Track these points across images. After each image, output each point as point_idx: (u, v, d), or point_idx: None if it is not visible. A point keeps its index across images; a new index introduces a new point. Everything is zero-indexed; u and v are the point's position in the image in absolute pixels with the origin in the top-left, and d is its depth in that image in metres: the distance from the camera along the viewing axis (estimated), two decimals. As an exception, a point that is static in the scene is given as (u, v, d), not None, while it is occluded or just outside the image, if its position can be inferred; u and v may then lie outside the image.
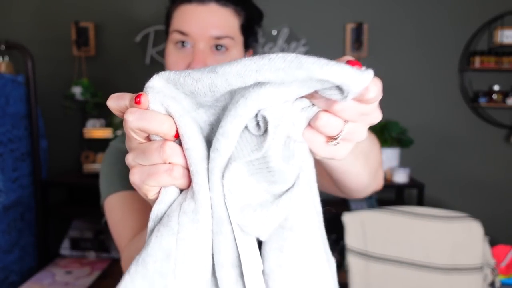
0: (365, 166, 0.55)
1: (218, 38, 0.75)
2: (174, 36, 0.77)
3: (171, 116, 0.33)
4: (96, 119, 2.43)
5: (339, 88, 0.28)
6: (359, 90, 0.28)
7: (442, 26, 2.49)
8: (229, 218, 0.32)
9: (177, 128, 0.33)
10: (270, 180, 0.32)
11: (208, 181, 0.32)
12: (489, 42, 2.46)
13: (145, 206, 0.72)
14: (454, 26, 2.48)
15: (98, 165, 2.39)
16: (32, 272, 2.17)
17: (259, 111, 0.30)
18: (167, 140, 0.33)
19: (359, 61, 0.29)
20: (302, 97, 0.31)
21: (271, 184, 0.33)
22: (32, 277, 2.01)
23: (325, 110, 0.31)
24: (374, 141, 0.60)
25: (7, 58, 2.20)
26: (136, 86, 2.53)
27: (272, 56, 0.28)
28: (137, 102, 0.32)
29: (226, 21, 0.76)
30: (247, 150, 0.32)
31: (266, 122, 0.31)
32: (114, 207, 0.75)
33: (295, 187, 0.33)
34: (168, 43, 0.80)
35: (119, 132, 2.32)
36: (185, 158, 0.33)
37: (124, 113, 0.34)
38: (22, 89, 2.12)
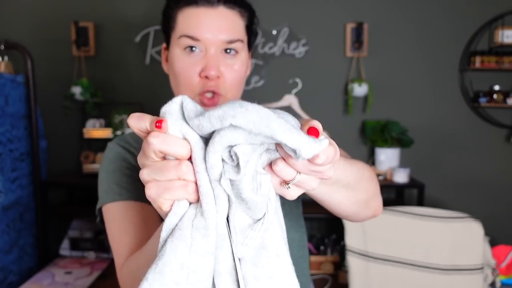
0: (349, 197, 0.60)
1: (230, 42, 0.74)
2: (183, 41, 0.74)
3: (187, 141, 0.37)
4: (95, 119, 2.43)
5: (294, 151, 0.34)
6: (308, 157, 0.34)
7: (442, 26, 2.49)
8: (229, 235, 0.39)
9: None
10: (246, 207, 0.39)
11: (215, 203, 0.38)
12: (490, 42, 2.45)
13: (143, 219, 0.71)
14: (454, 26, 2.48)
15: (98, 165, 2.38)
16: (31, 273, 2.17)
17: (231, 147, 0.36)
18: (183, 160, 0.38)
19: (319, 130, 0.36)
20: None
21: (247, 210, 0.39)
22: (31, 277, 2.01)
23: (283, 159, 0.37)
24: (365, 175, 0.62)
25: (6, 58, 2.20)
26: (136, 86, 2.53)
27: (250, 106, 0.33)
28: (157, 126, 0.36)
29: (235, 24, 0.75)
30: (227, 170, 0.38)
31: (237, 157, 0.36)
32: (113, 218, 0.73)
33: (266, 214, 0.39)
34: (174, 48, 0.77)
35: (118, 132, 2.32)
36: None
37: (142, 132, 0.38)
38: (22, 89, 2.12)
